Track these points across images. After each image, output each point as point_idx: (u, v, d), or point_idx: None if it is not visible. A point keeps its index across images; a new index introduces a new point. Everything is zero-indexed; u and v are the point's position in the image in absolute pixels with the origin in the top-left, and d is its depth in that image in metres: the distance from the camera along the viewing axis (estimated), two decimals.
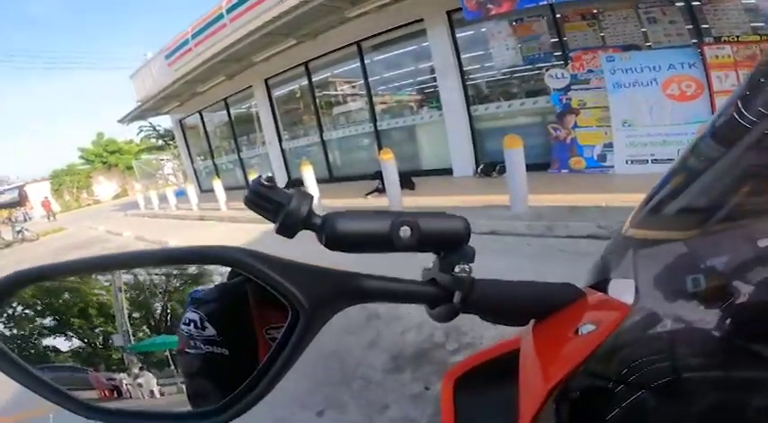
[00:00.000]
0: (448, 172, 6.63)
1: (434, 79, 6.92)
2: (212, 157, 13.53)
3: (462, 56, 6.50)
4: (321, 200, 6.32)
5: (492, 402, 0.50)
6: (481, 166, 6.25)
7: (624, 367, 0.33)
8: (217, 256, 0.33)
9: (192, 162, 14.73)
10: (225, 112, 12.05)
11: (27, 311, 0.38)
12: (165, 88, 10.12)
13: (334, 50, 8.22)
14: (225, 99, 11.56)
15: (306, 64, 8.96)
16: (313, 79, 9.17)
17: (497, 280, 0.41)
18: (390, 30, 7.15)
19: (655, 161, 4.82)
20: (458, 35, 6.47)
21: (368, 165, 8.40)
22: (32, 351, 0.38)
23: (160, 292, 0.39)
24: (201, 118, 13.21)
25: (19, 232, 13.82)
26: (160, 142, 27.93)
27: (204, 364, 0.36)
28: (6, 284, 0.33)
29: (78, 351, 0.38)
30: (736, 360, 0.29)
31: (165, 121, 19.59)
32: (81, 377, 0.37)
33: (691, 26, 4.64)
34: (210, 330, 0.36)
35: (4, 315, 0.36)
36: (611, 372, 0.34)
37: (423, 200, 5.51)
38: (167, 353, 0.39)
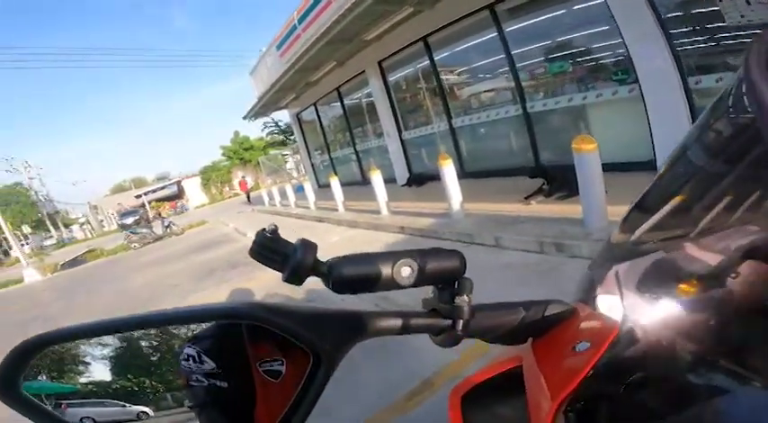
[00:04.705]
0: (647, 166, 4.46)
1: (614, 45, 4.76)
2: (328, 151, 13.06)
3: (664, 15, 4.23)
4: (464, 205, 4.92)
5: (499, 417, 0.53)
6: None
7: (623, 380, 0.36)
8: (240, 314, 0.36)
9: (310, 157, 14.56)
10: (338, 103, 11.33)
11: (53, 368, 0.38)
12: (279, 79, 9.68)
13: (460, 19, 6.50)
14: (338, 88, 10.78)
15: (425, 39, 7.44)
16: (435, 57, 7.59)
17: (495, 303, 0.46)
18: None
19: None
20: None
21: (513, 157, 6.66)
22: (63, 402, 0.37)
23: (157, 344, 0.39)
24: (316, 111, 12.81)
25: (167, 227, 15.33)
26: (282, 138, 29.51)
27: (209, 396, 0.37)
28: (32, 345, 0.34)
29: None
30: (725, 366, 0.30)
31: (286, 117, 20.16)
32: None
33: None
34: (209, 364, 0.37)
35: (33, 371, 0.36)
36: (612, 384, 0.38)
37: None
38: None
